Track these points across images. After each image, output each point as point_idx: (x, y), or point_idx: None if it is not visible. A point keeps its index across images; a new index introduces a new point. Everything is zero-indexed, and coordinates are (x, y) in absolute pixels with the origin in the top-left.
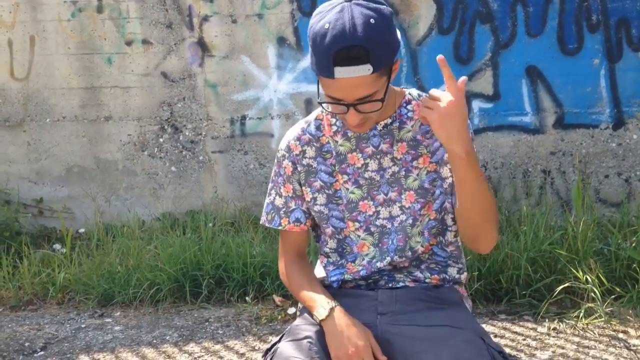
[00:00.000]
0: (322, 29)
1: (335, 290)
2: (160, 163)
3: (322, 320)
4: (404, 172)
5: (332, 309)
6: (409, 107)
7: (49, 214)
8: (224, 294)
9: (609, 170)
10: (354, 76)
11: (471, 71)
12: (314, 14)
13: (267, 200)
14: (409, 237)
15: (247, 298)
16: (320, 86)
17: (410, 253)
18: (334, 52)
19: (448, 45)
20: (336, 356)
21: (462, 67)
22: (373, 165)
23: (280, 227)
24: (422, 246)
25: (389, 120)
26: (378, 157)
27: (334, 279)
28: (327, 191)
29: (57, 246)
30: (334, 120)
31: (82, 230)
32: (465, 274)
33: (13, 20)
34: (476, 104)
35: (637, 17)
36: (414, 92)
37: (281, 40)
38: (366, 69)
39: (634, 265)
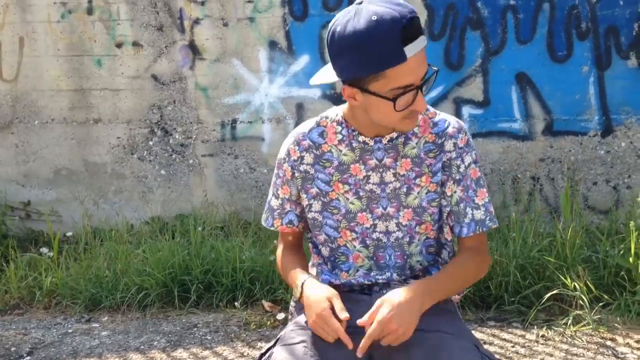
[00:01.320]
0: (370, 24)
1: None
2: (150, 166)
3: (299, 299)
4: (405, 189)
5: (302, 284)
6: None
7: (37, 217)
8: (213, 299)
9: (597, 178)
10: (421, 48)
11: (461, 77)
12: (335, 28)
13: (267, 199)
14: (407, 255)
15: (236, 303)
16: (370, 82)
17: (409, 272)
18: (400, 30)
19: (438, 51)
20: (311, 328)
21: (452, 72)
22: (375, 178)
23: (272, 228)
24: (420, 265)
25: (395, 135)
26: (380, 170)
27: (324, 277)
28: (322, 199)
29: (44, 250)
30: (339, 128)
31: (69, 233)
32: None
33: (2, 21)
34: (466, 110)
35: (626, 25)
36: None
37: (272, 44)
38: (424, 40)
39: (622, 272)
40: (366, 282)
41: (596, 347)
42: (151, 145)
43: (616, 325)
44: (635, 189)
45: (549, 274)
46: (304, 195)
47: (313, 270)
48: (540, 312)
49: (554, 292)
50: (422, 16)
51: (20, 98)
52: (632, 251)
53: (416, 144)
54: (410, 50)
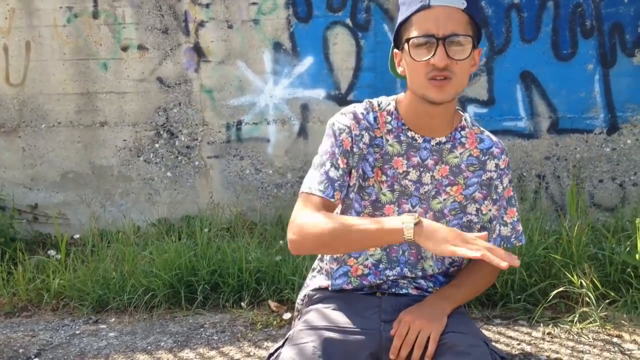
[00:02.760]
0: None
1: (336, 293)
2: (156, 168)
3: (416, 224)
4: (434, 192)
5: (417, 219)
6: (462, 132)
7: (44, 219)
8: (219, 300)
9: (603, 175)
10: (450, 5)
11: None
12: None
13: (319, 170)
14: (422, 257)
15: (242, 304)
16: (403, 34)
17: (420, 272)
18: None
19: None
20: (445, 239)
21: None
22: (413, 175)
23: (332, 200)
24: (432, 270)
25: (444, 139)
26: (421, 170)
27: (339, 281)
28: (361, 182)
29: (51, 252)
30: (389, 118)
31: (77, 236)
32: None
33: (9, 25)
34: (471, 109)
35: (630, 22)
36: (468, 117)
37: (277, 46)
38: (461, 2)
39: (628, 269)
40: (377, 281)
41: (602, 344)
42: (157, 148)
43: (623, 322)
44: None
45: (555, 271)
46: (354, 173)
47: (315, 275)
48: (546, 309)
49: (560, 289)
50: None
51: (27, 102)
52: (639, 248)
53: (460, 154)
54: (438, 1)
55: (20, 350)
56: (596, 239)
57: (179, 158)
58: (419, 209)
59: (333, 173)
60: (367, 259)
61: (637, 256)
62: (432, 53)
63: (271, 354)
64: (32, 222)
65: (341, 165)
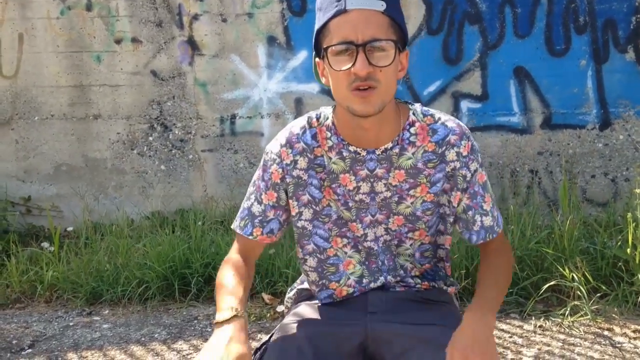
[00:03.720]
0: None
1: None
2: (150, 162)
3: (217, 322)
4: (396, 198)
5: (234, 317)
6: (412, 129)
7: (37, 212)
8: (213, 292)
9: (595, 170)
10: (367, 8)
11: (460, 71)
12: None
13: (244, 204)
14: (394, 255)
15: None
16: (322, 42)
17: (402, 272)
18: None
19: (437, 46)
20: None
21: (451, 67)
22: (365, 187)
23: (250, 237)
24: (411, 264)
25: (390, 145)
26: (371, 180)
27: (325, 301)
28: (314, 207)
29: (45, 244)
30: (329, 134)
31: (70, 228)
32: (453, 287)
33: (1, 17)
34: (464, 104)
35: (623, 18)
36: (418, 109)
37: (271, 40)
38: (379, 4)
39: (620, 263)
40: (361, 293)
41: (593, 337)
42: (151, 141)
43: (613, 315)
44: (633, 181)
45: (547, 265)
46: (294, 203)
47: (303, 286)
48: (538, 303)
49: (552, 283)
50: (421, 11)
51: (20, 94)
52: (630, 242)
53: (413, 154)
54: (354, 4)
55: (14, 342)
56: (588, 234)
57: (173, 151)
58: (379, 216)
59: (255, 208)
60: (348, 279)
61: (628, 250)
62: (353, 61)
63: (258, 348)
64: (25, 214)
65: (264, 201)
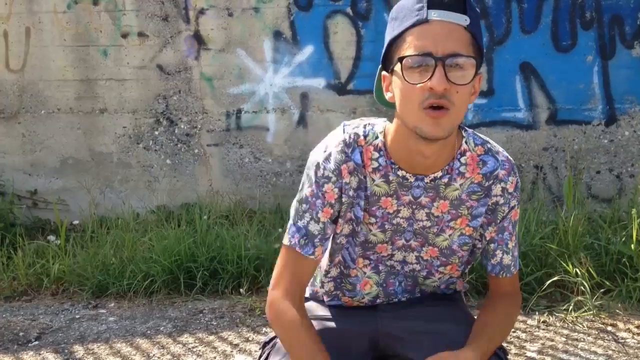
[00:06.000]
0: None
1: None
2: (156, 156)
3: None
4: (436, 229)
5: None
6: (462, 159)
7: (44, 205)
8: (218, 286)
9: (600, 167)
10: (451, 20)
11: None
12: None
13: (298, 223)
14: (419, 284)
15: (241, 290)
16: (395, 53)
17: (419, 294)
18: None
19: None
20: None
21: None
22: (405, 212)
23: (312, 257)
24: (432, 290)
25: (440, 174)
26: (413, 207)
27: (331, 303)
28: (354, 225)
29: (51, 237)
30: (376, 154)
31: (76, 222)
32: (463, 288)
33: (9, 11)
34: None
35: (630, 14)
36: (471, 138)
37: (277, 34)
38: (463, 19)
39: (624, 259)
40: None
41: (597, 333)
42: (157, 135)
43: (617, 311)
44: (638, 177)
45: (551, 261)
46: (341, 220)
47: (309, 288)
48: (541, 298)
49: (556, 278)
50: None
51: (26, 88)
52: (634, 238)
53: (460, 185)
54: (436, 14)
55: (21, 334)
56: (592, 230)
57: (179, 146)
58: (413, 243)
59: (313, 227)
60: (363, 297)
61: (632, 246)
62: (429, 76)
63: (267, 342)
64: (32, 207)
65: (322, 219)
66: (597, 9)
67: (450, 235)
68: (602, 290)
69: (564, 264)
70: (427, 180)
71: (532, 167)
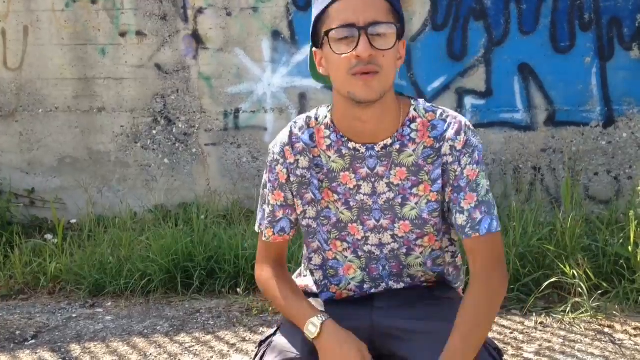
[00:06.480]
0: None
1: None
2: (153, 155)
3: (315, 338)
4: (400, 200)
5: (322, 324)
6: (412, 126)
7: (41, 204)
8: (216, 286)
9: (598, 168)
10: None
11: (464, 67)
12: None
13: (260, 207)
14: (404, 266)
15: (238, 290)
16: (321, 28)
17: (409, 279)
18: None
19: (442, 42)
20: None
21: (455, 63)
22: (366, 188)
23: (264, 239)
24: (422, 273)
25: (389, 141)
26: (372, 180)
27: (324, 298)
28: (316, 206)
29: (48, 236)
30: (327, 132)
31: (73, 220)
32: (461, 285)
33: (7, 10)
34: (468, 101)
35: (629, 16)
36: (421, 105)
37: (276, 34)
38: None
39: (621, 261)
40: (362, 296)
41: (594, 334)
42: (154, 134)
43: (614, 312)
44: (635, 179)
45: (548, 262)
46: (299, 202)
47: (299, 280)
48: (539, 299)
49: (553, 280)
50: (426, 6)
51: (24, 86)
52: (632, 240)
53: (413, 151)
54: None
55: (17, 332)
56: (590, 231)
57: (177, 145)
58: (384, 221)
59: (268, 210)
60: (349, 284)
61: (629, 248)
62: (355, 45)
63: (263, 341)
64: (29, 206)
65: (272, 201)
66: (596, 10)
67: (417, 204)
68: (599, 291)
69: (562, 266)
70: (377, 148)
71: (530, 168)
